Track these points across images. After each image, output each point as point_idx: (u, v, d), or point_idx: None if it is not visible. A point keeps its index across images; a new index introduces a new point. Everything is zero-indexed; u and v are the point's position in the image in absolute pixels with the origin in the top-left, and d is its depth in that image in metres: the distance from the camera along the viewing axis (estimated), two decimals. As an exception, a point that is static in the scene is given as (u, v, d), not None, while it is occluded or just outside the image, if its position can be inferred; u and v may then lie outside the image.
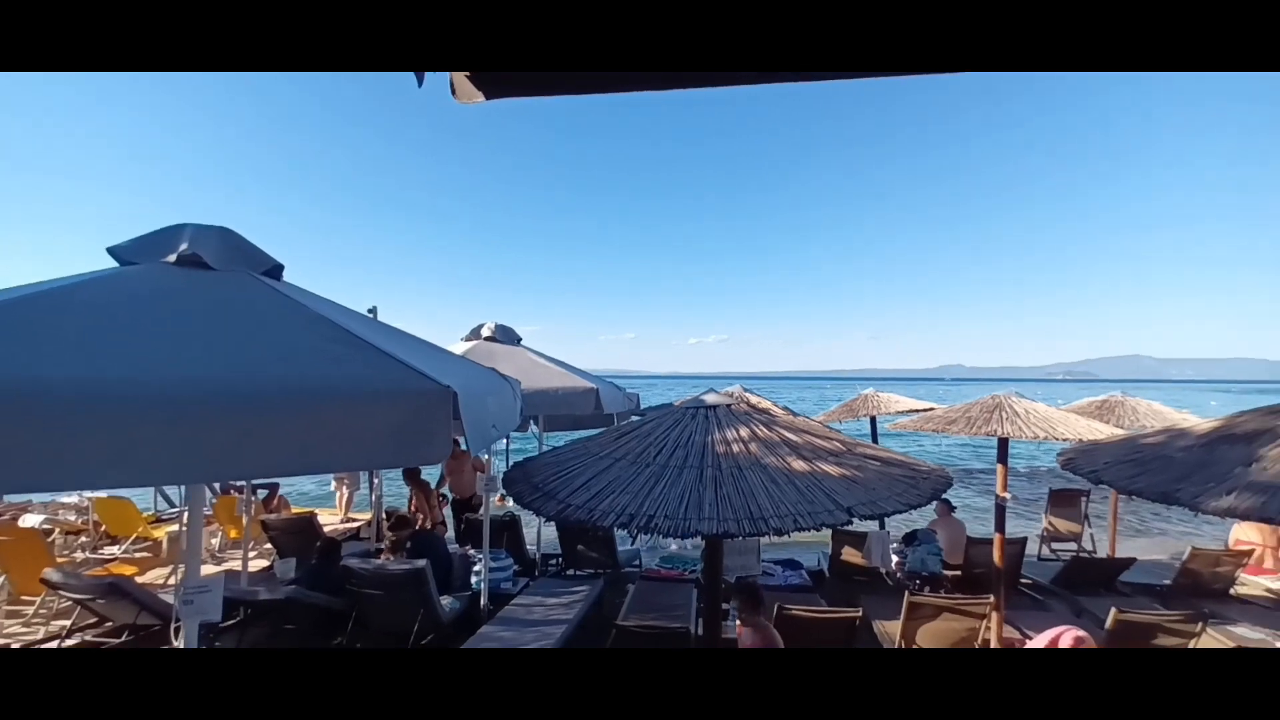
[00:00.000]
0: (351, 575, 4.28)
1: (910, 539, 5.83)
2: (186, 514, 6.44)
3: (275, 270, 2.43)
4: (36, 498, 7.10)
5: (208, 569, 5.63)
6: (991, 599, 4.18)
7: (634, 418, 5.27)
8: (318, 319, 2.08)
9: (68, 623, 4.37)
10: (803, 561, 6.32)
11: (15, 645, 4.28)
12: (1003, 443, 4.43)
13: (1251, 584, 6.04)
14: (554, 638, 4.10)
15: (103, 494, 6.24)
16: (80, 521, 6.39)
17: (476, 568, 5.04)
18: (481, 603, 4.60)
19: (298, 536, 5.61)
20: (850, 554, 5.92)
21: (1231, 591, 5.63)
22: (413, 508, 5.95)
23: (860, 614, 3.93)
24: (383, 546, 5.67)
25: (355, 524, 7.04)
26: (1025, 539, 5.96)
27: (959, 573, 5.83)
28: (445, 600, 4.49)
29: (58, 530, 6.19)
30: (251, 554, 5.59)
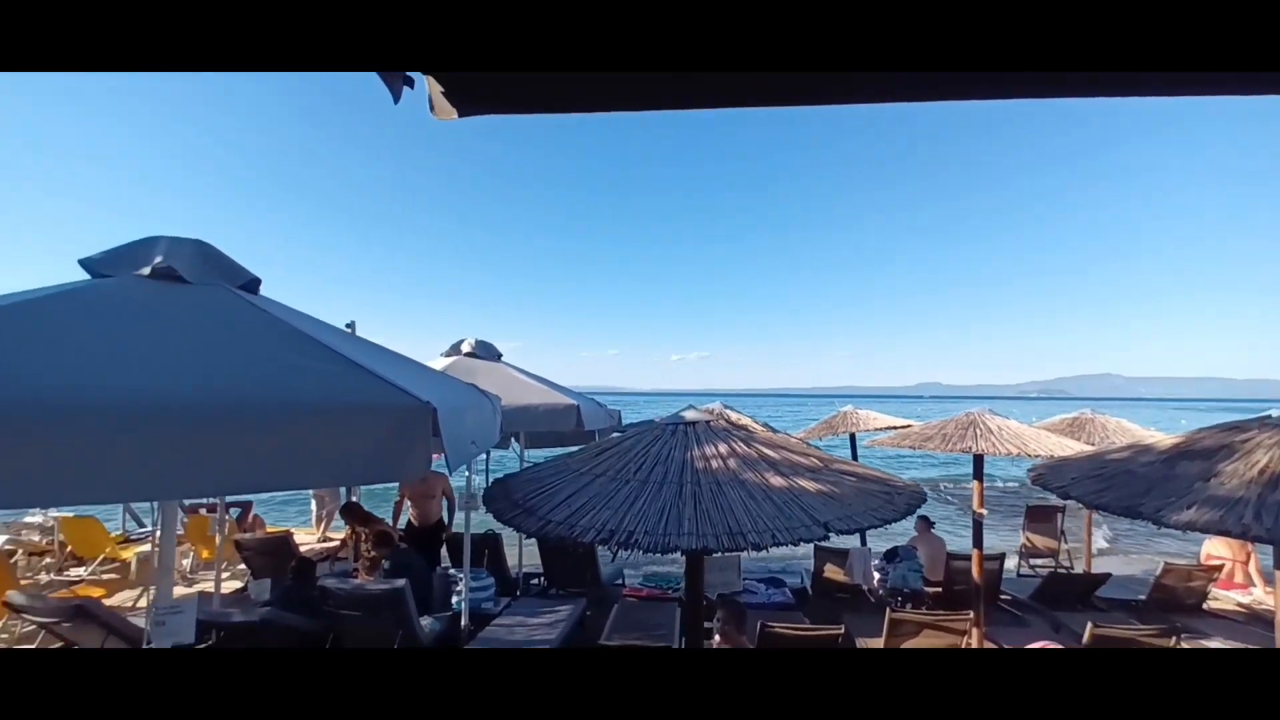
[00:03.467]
0: (328, 595, 4.20)
1: (891, 556, 5.87)
2: (158, 533, 6.28)
3: (252, 284, 2.41)
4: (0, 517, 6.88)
5: (179, 590, 5.47)
6: (971, 615, 4.22)
7: (614, 434, 5.27)
8: (294, 333, 2.07)
9: (31, 647, 4.22)
10: (786, 580, 6.31)
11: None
12: (978, 459, 4.51)
13: (1223, 598, 6.16)
14: (534, 658, 4.05)
15: (69, 513, 6.06)
16: (45, 542, 6.18)
17: (457, 587, 4.97)
18: (462, 623, 4.53)
19: (273, 556, 5.49)
20: (833, 571, 5.94)
21: (1204, 606, 5.73)
22: (345, 539, 5.80)
23: (843, 631, 3.94)
24: (358, 567, 5.56)
25: (332, 542, 6.90)
26: (1003, 555, 6.03)
27: (939, 589, 5.87)
28: (425, 621, 4.41)
29: (20, 551, 5.99)
30: (225, 575, 5.44)
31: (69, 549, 6.10)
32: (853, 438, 6.71)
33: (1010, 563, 7.12)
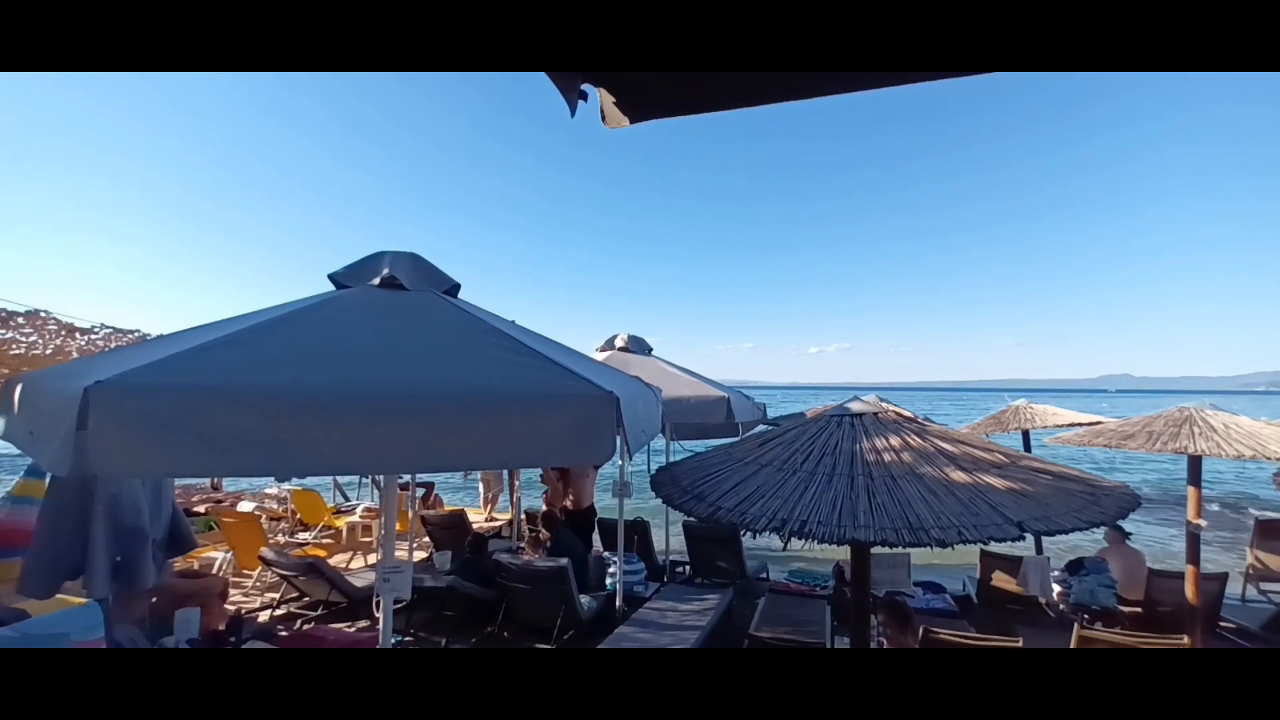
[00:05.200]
0: (501, 569, 4.66)
1: (1075, 567, 5.23)
2: (366, 504, 7.33)
3: (454, 289, 2.77)
4: (249, 489, 8.44)
5: (374, 559, 6.38)
6: (1186, 640, 3.67)
7: (760, 427, 5.24)
8: (493, 331, 2.35)
9: (277, 595, 5.16)
10: (945, 586, 5.89)
11: (242, 611, 5.13)
12: (1195, 461, 3.89)
13: None
14: (689, 642, 4.18)
15: (298, 486, 7.32)
16: (281, 510, 7.52)
17: (611, 569, 5.27)
18: (617, 604, 4.80)
19: (452, 531, 6.20)
20: (1002, 579, 5.44)
21: None
22: (546, 500, 6.28)
23: (1020, 644, 3.61)
24: (523, 545, 6.09)
25: (497, 523, 7.64)
26: (1225, 575, 5.13)
27: (1138, 609, 5.14)
28: (584, 599, 4.74)
29: (264, 516, 7.34)
30: (414, 546, 6.24)
31: (298, 516, 7.36)
32: (1026, 435, 6.07)
33: (1233, 587, 6.04)
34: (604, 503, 6.41)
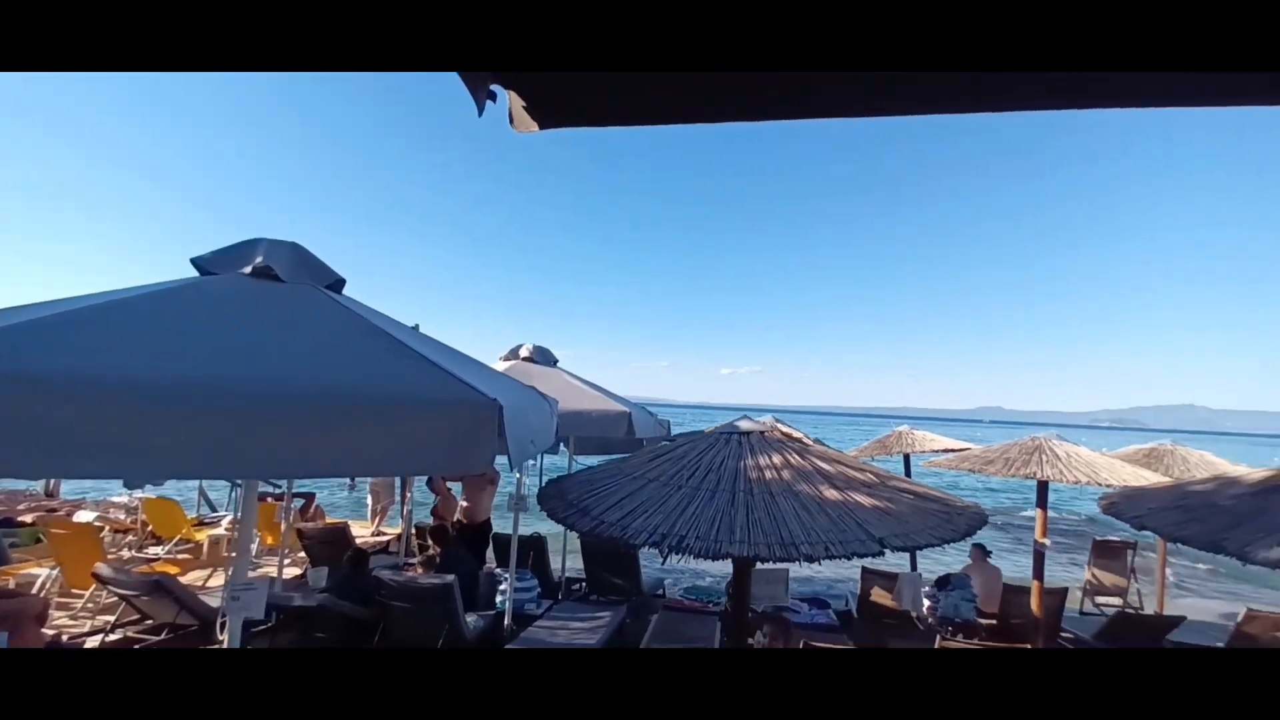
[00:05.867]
0: (381, 586, 4.36)
1: (943, 583, 5.64)
2: (229, 517, 6.65)
3: (337, 284, 2.58)
4: (91, 496, 7.43)
5: (260, 573, 5.80)
6: (1029, 649, 4.03)
7: (663, 443, 5.29)
8: (375, 331, 2.21)
9: (112, 618, 4.54)
10: (830, 601, 6.16)
11: (63, 637, 4.46)
12: (1042, 486, 4.32)
13: (1316, 653, 5.65)
14: (576, 661, 4.09)
15: (152, 494, 6.52)
16: (129, 520, 6.66)
17: (502, 586, 5.07)
18: (505, 622, 4.62)
19: (331, 546, 5.74)
20: (880, 595, 5.77)
21: (1294, 660, 5.28)
22: (435, 512, 6.00)
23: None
24: (413, 561, 5.75)
25: (385, 538, 7.17)
26: (1066, 590, 5.72)
27: (994, 621, 5.62)
28: (470, 618, 4.52)
29: (107, 528, 6.46)
30: (285, 561, 5.73)
31: (150, 528, 6.55)
32: (907, 459, 6.52)
33: (1072, 600, 6.75)
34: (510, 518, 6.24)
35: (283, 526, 4.90)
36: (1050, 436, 4.49)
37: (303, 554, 6.06)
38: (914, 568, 6.40)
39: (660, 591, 6.11)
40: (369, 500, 7.80)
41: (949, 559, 7.91)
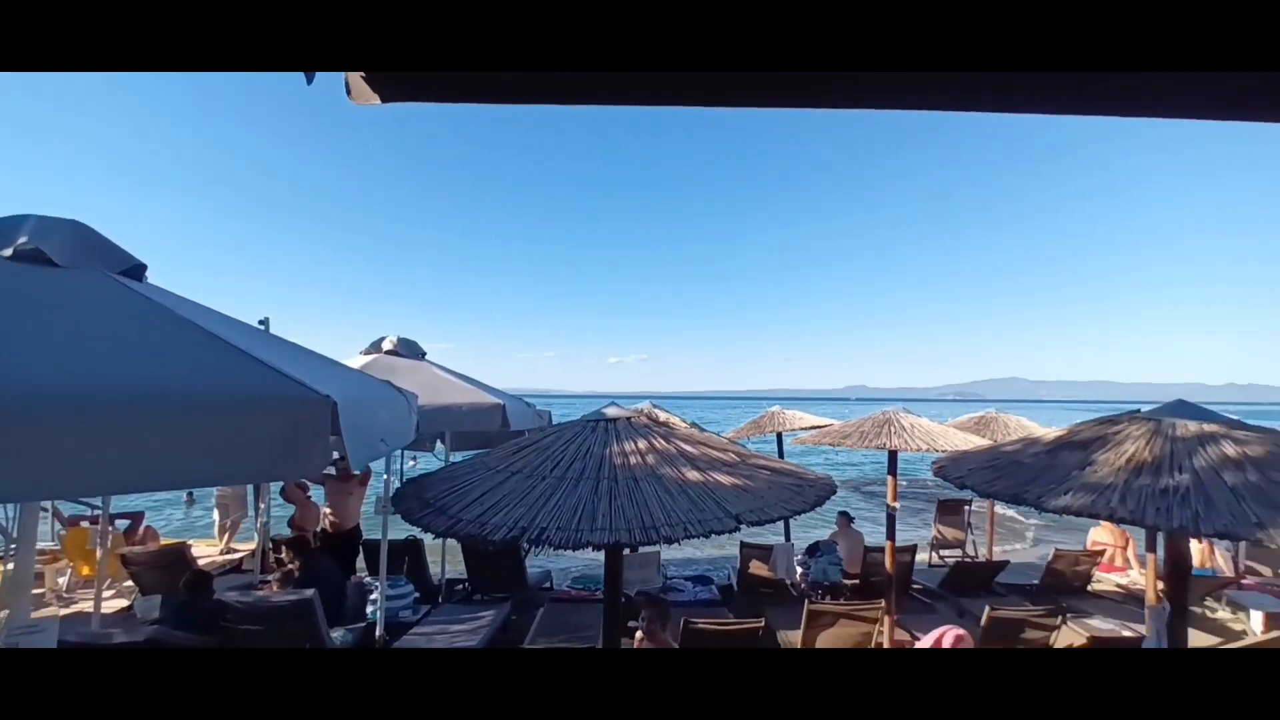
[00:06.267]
0: (226, 610, 3.91)
1: (813, 550, 6.08)
2: (46, 545, 5.63)
3: (136, 270, 2.22)
4: None
5: (50, 612, 4.94)
6: (883, 604, 4.43)
7: (528, 434, 5.18)
8: (182, 323, 1.92)
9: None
10: (714, 577, 6.42)
11: None
12: (892, 455, 4.74)
13: (1105, 580, 6.75)
14: (454, 666, 3.92)
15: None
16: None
17: (373, 595, 4.75)
18: (377, 633, 4.33)
19: (166, 571, 5.04)
20: (757, 567, 6.09)
21: (1089, 588, 6.26)
22: (293, 522, 5.49)
23: (763, 624, 4.04)
24: (270, 579, 5.21)
25: (237, 555, 6.43)
26: (915, 547, 6.37)
27: (857, 581, 6.14)
28: (336, 633, 4.18)
29: None
30: (108, 593, 4.96)
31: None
32: (779, 437, 6.92)
33: (923, 554, 7.54)
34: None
35: (99, 553, 4.21)
36: (898, 410, 4.94)
37: (130, 582, 5.27)
38: (788, 539, 6.83)
39: (547, 584, 6.03)
40: (215, 515, 6.94)
41: (820, 524, 8.54)
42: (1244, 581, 6.43)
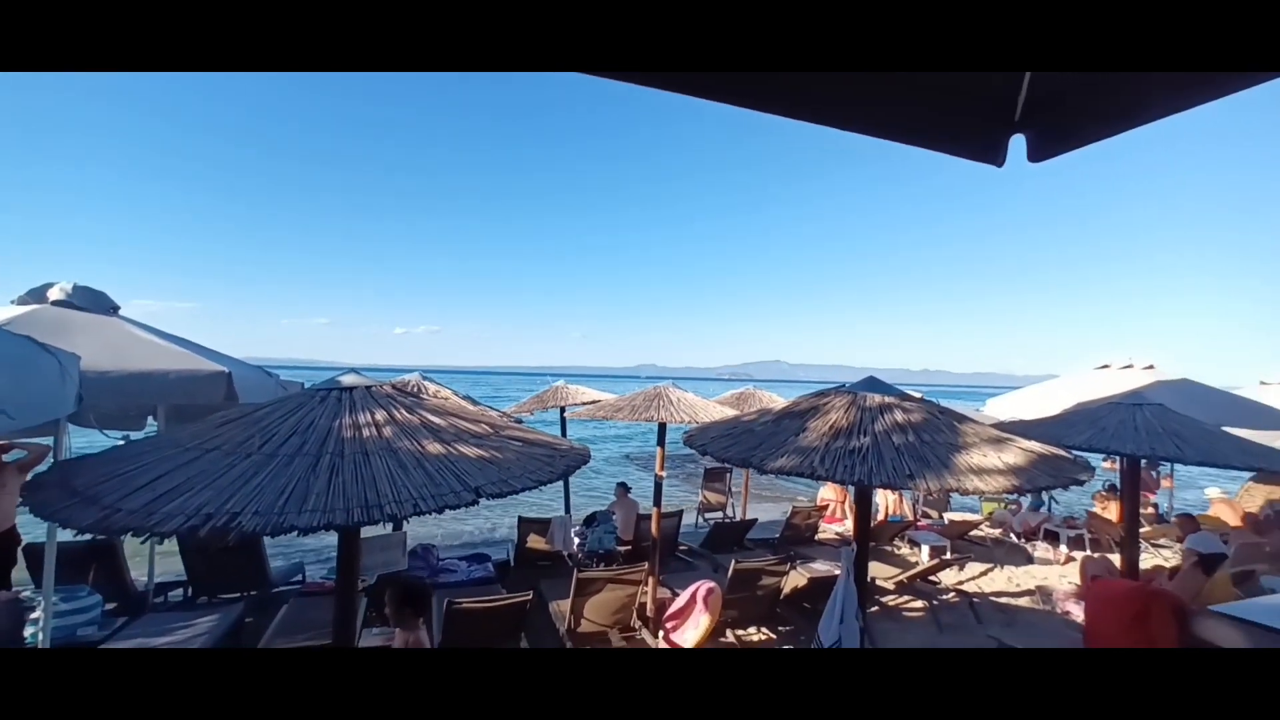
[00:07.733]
0: None
1: (590, 521, 6.29)
2: None
3: None
4: None
5: None
6: (646, 566, 4.74)
7: (241, 405, 4.50)
8: None
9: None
10: (491, 554, 6.30)
11: None
12: (661, 427, 5.07)
13: (828, 531, 8.12)
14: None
15: None
16: None
17: (34, 614, 3.70)
18: (37, 661, 3.38)
19: None
20: (535, 541, 6.12)
21: (816, 538, 7.47)
22: None
23: (529, 597, 4.04)
24: None
25: None
26: (682, 511, 6.97)
27: (630, 547, 6.51)
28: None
29: None
30: None
31: None
32: (562, 411, 7.00)
33: (690, 517, 8.30)
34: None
35: None
36: (668, 386, 5.28)
37: None
38: (567, 510, 6.97)
39: (298, 577, 5.33)
40: None
41: (602, 497, 8.83)
42: (919, 524, 8.25)
